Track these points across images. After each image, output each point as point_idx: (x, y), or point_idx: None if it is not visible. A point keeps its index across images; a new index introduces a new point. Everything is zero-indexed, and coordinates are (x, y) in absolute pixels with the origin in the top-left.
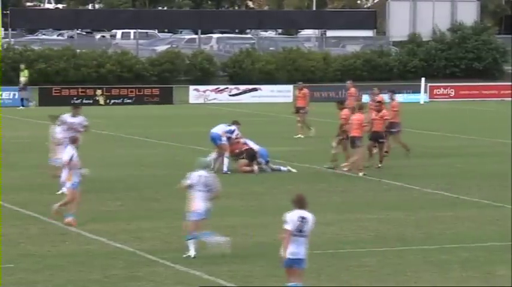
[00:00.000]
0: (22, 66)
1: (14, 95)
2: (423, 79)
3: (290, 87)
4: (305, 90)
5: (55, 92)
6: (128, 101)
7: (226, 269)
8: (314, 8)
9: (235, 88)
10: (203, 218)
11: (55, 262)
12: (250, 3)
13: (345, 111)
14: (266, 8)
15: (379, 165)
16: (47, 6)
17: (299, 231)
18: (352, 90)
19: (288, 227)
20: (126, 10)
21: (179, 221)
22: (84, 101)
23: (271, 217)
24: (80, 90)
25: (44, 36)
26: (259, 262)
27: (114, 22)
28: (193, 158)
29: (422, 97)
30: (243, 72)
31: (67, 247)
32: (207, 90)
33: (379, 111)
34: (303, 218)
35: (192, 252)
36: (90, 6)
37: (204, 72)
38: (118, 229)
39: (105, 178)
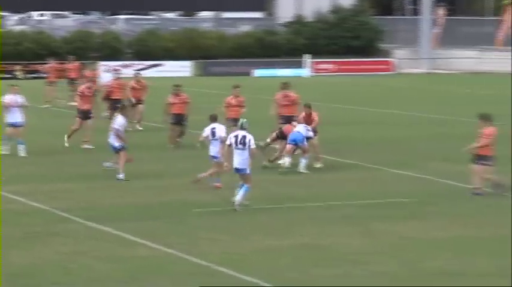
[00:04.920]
0: None
1: None
2: (306, 55)
3: (189, 63)
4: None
5: None
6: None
7: (132, 225)
8: None
9: (141, 64)
10: None
11: None
12: None
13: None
14: None
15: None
16: None
17: None
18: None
19: None
20: None
21: (92, 183)
22: (4, 76)
23: (176, 180)
24: (0, 66)
25: None
26: (164, 219)
27: (29, 3)
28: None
29: (305, 71)
30: (148, 49)
31: None
32: (115, 66)
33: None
34: None
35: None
36: None
37: (112, 49)
38: (36, 190)
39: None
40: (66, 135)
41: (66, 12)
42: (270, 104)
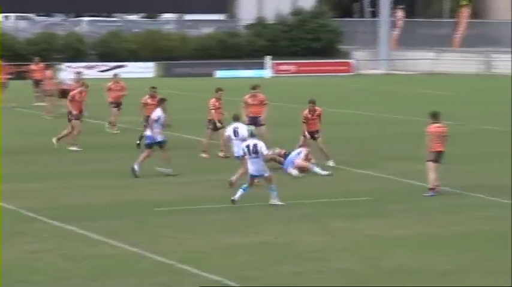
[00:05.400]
0: None
1: None
2: (268, 57)
3: (152, 64)
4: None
5: None
6: (9, 76)
7: (97, 224)
8: None
9: (104, 65)
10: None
11: None
12: None
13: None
14: None
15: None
16: None
17: None
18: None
19: None
20: None
21: (58, 183)
22: None
23: (139, 179)
24: None
25: None
26: (128, 217)
27: None
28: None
29: (266, 73)
30: (111, 51)
31: None
32: (79, 67)
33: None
34: None
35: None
36: None
37: (76, 51)
38: (1, 189)
39: None
40: (71, 144)
41: (30, 15)
42: (232, 105)
